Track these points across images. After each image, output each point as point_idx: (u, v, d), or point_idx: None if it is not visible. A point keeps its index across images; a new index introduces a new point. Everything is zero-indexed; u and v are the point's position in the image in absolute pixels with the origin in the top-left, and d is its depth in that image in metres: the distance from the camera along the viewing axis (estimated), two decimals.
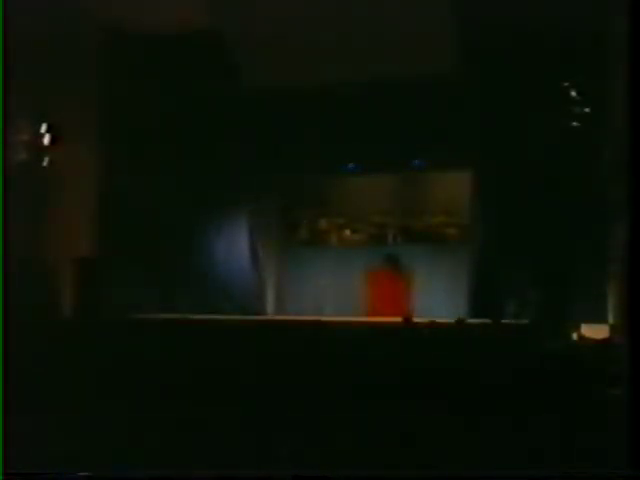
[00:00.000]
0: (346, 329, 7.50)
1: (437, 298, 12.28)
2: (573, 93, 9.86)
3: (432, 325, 7.68)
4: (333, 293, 12.97)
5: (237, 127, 12.43)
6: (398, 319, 8.52)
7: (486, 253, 11.76)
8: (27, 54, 9.65)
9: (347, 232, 13.61)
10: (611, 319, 9.42)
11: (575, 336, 8.54)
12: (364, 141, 11.85)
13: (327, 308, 12.48)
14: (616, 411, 4.13)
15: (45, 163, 10.52)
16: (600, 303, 9.82)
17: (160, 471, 3.65)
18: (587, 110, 9.78)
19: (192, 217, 13.37)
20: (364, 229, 13.51)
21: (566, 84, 9.98)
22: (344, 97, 11.72)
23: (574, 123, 9.90)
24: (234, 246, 13.73)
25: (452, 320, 8.07)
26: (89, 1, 10.97)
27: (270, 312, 13.22)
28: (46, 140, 10.40)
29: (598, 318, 9.44)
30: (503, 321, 8.74)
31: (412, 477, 3.63)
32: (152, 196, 12.32)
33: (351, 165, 13.06)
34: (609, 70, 9.41)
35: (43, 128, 10.41)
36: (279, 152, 12.39)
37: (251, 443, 3.92)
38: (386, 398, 4.28)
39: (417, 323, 7.91)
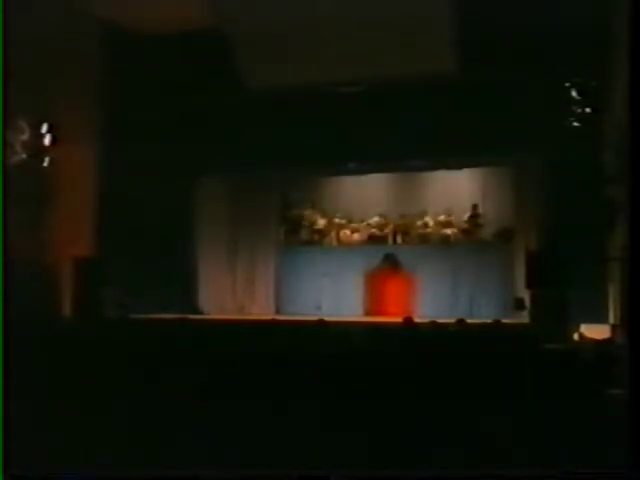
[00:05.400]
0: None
1: None
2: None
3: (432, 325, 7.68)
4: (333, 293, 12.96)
5: (237, 127, 12.44)
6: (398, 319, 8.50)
7: None
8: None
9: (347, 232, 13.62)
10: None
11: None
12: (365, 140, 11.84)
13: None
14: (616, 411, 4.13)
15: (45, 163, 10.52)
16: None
17: (160, 471, 3.66)
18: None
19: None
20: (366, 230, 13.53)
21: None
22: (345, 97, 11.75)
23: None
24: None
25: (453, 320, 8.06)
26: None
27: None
28: (47, 140, 10.40)
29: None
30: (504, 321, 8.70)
31: (412, 477, 3.63)
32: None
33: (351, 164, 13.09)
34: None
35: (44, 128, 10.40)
36: (279, 152, 12.38)
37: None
38: None
39: (418, 324, 7.89)
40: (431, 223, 13.12)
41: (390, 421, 4.07)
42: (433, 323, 7.77)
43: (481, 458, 3.74)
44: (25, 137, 10.26)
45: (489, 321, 8.10)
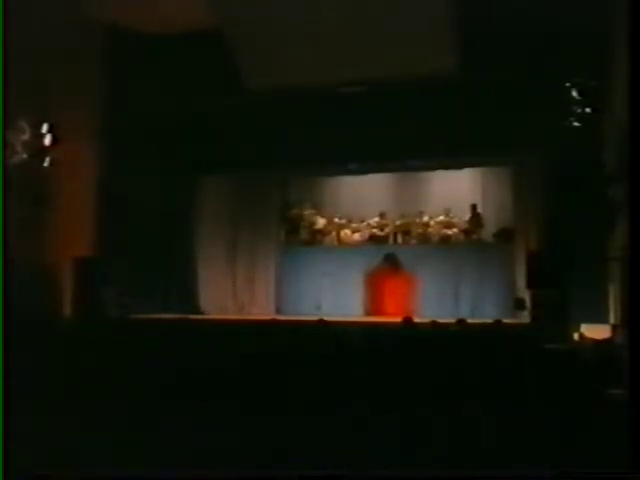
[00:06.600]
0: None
1: None
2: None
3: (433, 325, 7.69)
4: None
5: (237, 127, 12.44)
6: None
7: None
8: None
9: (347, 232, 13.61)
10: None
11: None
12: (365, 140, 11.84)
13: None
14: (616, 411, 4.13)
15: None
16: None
17: (160, 471, 3.65)
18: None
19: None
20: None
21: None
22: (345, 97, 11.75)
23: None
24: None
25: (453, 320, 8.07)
26: None
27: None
28: (47, 140, 10.39)
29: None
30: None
31: (412, 477, 3.63)
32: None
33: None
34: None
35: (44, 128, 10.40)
36: (279, 152, 12.39)
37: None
38: None
39: (418, 323, 7.90)
40: (431, 223, 13.11)
41: (389, 421, 4.07)
42: (433, 323, 7.77)
43: (481, 458, 3.74)
44: (25, 137, 10.25)
45: (489, 321, 8.11)
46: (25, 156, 10.25)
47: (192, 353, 5.50)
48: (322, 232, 13.69)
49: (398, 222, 13.31)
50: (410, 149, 11.88)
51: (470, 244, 12.81)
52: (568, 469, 3.49)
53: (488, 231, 12.80)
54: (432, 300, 12.37)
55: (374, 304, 12.86)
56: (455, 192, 13.07)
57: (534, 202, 11.74)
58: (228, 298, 13.77)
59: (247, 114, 12.15)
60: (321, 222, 13.73)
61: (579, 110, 9.81)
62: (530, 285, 10.31)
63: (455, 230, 12.95)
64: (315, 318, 8.23)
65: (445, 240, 12.97)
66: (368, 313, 12.76)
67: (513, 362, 4.96)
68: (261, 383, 4.59)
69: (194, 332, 7.42)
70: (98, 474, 3.70)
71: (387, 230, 13.33)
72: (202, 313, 13.12)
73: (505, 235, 12.50)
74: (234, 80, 11.58)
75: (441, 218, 13.06)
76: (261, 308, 13.43)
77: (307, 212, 13.82)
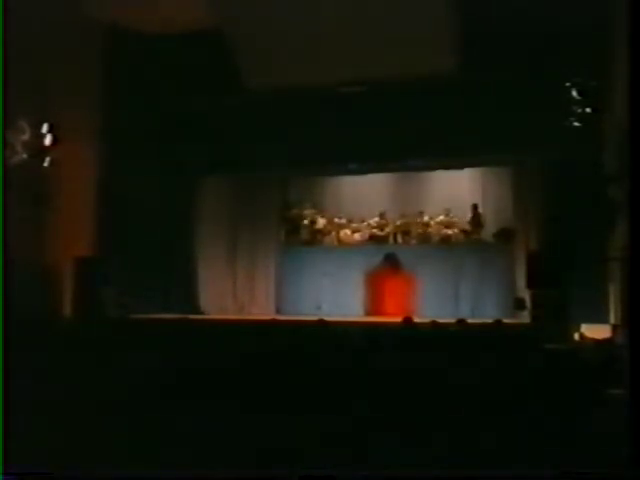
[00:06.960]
0: None
1: None
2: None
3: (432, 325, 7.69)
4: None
5: (237, 127, 12.44)
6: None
7: None
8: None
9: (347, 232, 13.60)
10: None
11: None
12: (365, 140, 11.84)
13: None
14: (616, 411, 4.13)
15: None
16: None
17: (160, 471, 3.65)
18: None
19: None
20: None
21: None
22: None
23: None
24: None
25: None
26: None
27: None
28: (47, 140, 10.38)
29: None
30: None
31: (413, 477, 3.63)
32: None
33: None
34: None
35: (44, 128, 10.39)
36: (279, 152, 12.38)
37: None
38: None
39: (418, 324, 7.90)
40: (431, 223, 13.11)
41: (389, 421, 4.07)
42: (433, 323, 7.77)
43: (480, 458, 3.74)
44: (25, 137, 10.25)
45: (489, 321, 8.11)
46: (25, 156, 10.25)
47: (192, 353, 5.50)
48: (322, 232, 13.69)
49: (398, 222, 13.30)
50: (410, 149, 11.87)
51: (470, 244, 12.81)
52: (568, 469, 3.49)
53: (488, 231, 12.80)
54: (432, 300, 12.36)
55: (374, 304, 12.86)
56: (455, 192, 13.07)
57: (534, 202, 11.74)
58: (228, 298, 13.77)
59: (247, 114, 12.16)
60: (321, 222, 13.73)
61: (579, 110, 9.82)
62: (530, 285, 10.31)
63: (455, 230, 12.95)
64: (315, 318, 8.23)
65: (445, 240, 12.96)
66: (368, 313, 12.76)
67: (513, 362, 4.96)
68: (261, 383, 4.59)
69: (194, 332, 7.42)
70: (98, 474, 3.70)
71: (387, 230, 13.32)
72: (202, 313, 13.12)
73: (505, 235, 12.49)
74: (234, 80, 11.58)
75: (441, 218, 13.06)
76: (261, 308, 13.43)
77: (307, 212, 13.82)
